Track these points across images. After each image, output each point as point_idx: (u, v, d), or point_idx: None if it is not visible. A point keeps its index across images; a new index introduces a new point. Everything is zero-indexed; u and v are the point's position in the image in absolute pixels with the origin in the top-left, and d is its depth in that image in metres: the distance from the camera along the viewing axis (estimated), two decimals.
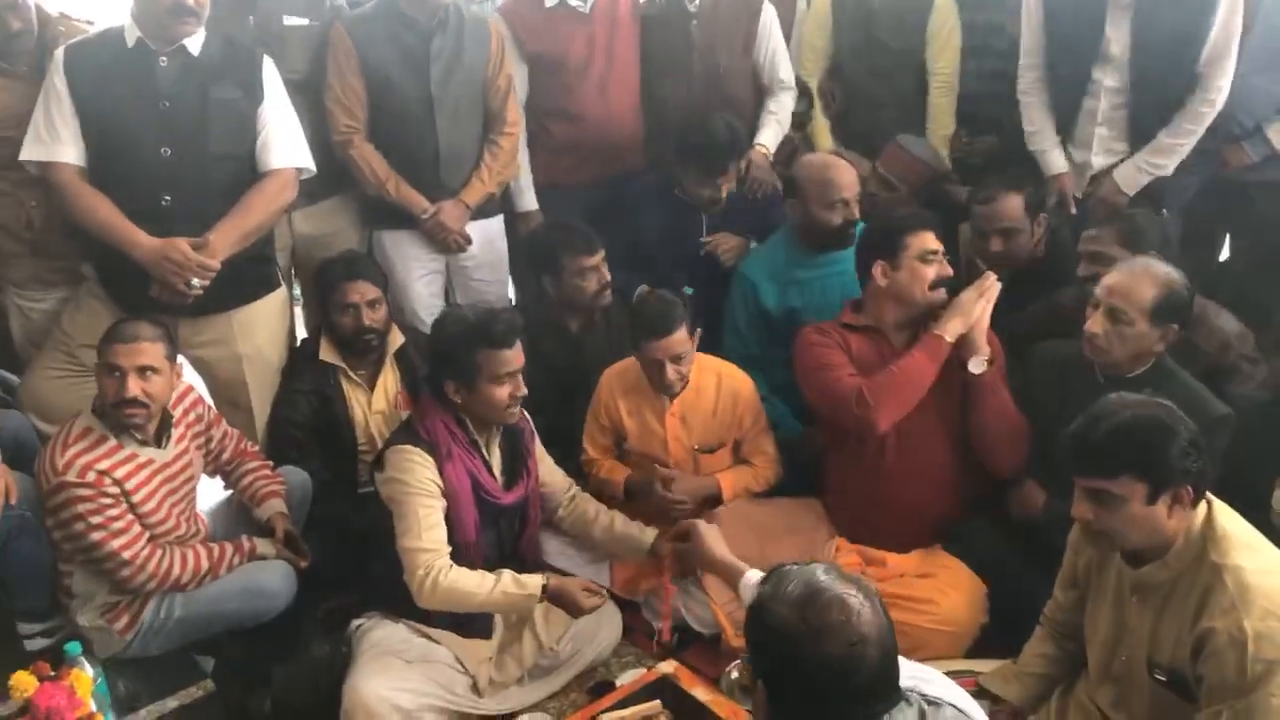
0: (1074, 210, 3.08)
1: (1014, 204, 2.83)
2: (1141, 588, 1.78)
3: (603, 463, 2.80)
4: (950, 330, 2.43)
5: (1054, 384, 2.42)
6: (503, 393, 2.29)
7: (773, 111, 3.30)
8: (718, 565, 2.22)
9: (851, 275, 2.64)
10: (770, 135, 3.28)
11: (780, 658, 1.32)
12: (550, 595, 2.25)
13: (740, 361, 2.87)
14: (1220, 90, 2.87)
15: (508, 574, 2.25)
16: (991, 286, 2.47)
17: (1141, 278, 2.23)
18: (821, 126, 3.47)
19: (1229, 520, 1.73)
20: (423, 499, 2.24)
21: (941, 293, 2.48)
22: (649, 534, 2.57)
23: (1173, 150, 2.96)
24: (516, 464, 2.47)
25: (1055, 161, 3.09)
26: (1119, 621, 1.84)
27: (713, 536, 2.27)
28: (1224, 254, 3.48)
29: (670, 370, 2.58)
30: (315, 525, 2.68)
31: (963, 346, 2.45)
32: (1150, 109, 2.96)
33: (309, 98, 2.82)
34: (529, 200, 3.26)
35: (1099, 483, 1.70)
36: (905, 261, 2.46)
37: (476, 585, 2.22)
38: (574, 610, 2.27)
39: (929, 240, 2.47)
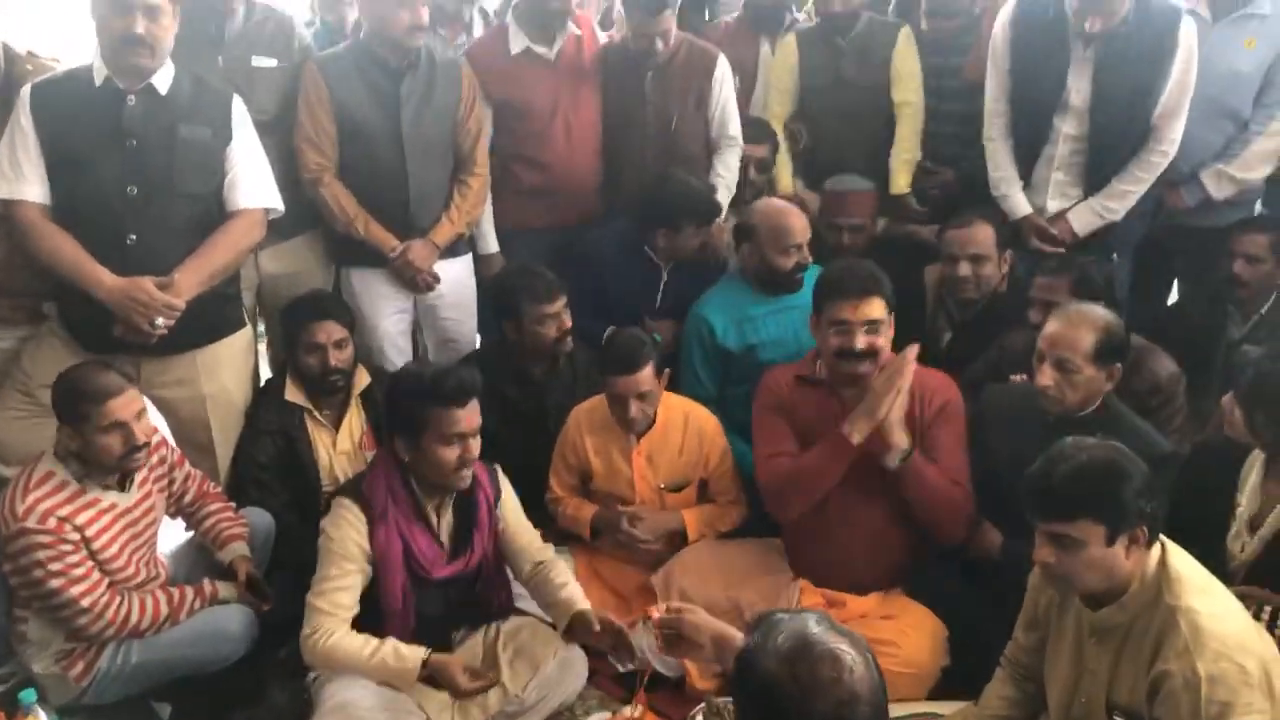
0: (1039, 249, 3.16)
1: (986, 232, 2.98)
2: (1100, 630, 1.82)
3: (569, 501, 2.81)
4: (857, 430, 2.36)
5: (1006, 425, 2.48)
6: (450, 454, 2.22)
7: (721, 175, 3.33)
8: (714, 642, 2.13)
9: (806, 309, 2.69)
10: (720, 199, 3.29)
11: (767, 713, 1.27)
12: (430, 670, 2.19)
13: (700, 401, 2.91)
14: (1173, 142, 3.00)
15: (390, 644, 2.20)
16: (905, 373, 2.36)
17: (1079, 325, 2.32)
18: (783, 166, 3.54)
19: (1182, 562, 1.78)
20: (338, 559, 2.22)
21: (862, 368, 2.43)
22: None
23: (1125, 196, 3.08)
24: (466, 533, 2.39)
25: (1020, 204, 3.18)
26: (1078, 663, 1.88)
27: (699, 618, 2.24)
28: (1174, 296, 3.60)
29: (634, 407, 2.60)
30: (278, 567, 2.66)
31: (876, 440, 2.39)
32: (1106, 156, 3.07)
33: (277, 138, 2.82)
34: (490, 243, 3.28)
35: (1058, 526, 1.75)
36: (821, 325, 2.47)
37: (357, 651, 2.18)
38: (453, 692, 2.20)
39: (843, 310, 2.40)
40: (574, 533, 2.80)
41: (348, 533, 2.24)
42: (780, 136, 3.51)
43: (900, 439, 2.39)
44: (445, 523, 2.38)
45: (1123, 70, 2.96)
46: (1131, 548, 1.73)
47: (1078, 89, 3.02)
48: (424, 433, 2.22)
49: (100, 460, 2.21)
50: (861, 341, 2.39)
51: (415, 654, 2.20)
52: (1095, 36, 2.93)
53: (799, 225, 2.95)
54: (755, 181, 3.48)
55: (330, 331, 2.76)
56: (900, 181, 3.43)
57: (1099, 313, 2.36)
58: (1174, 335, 3.20)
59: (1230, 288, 3.11)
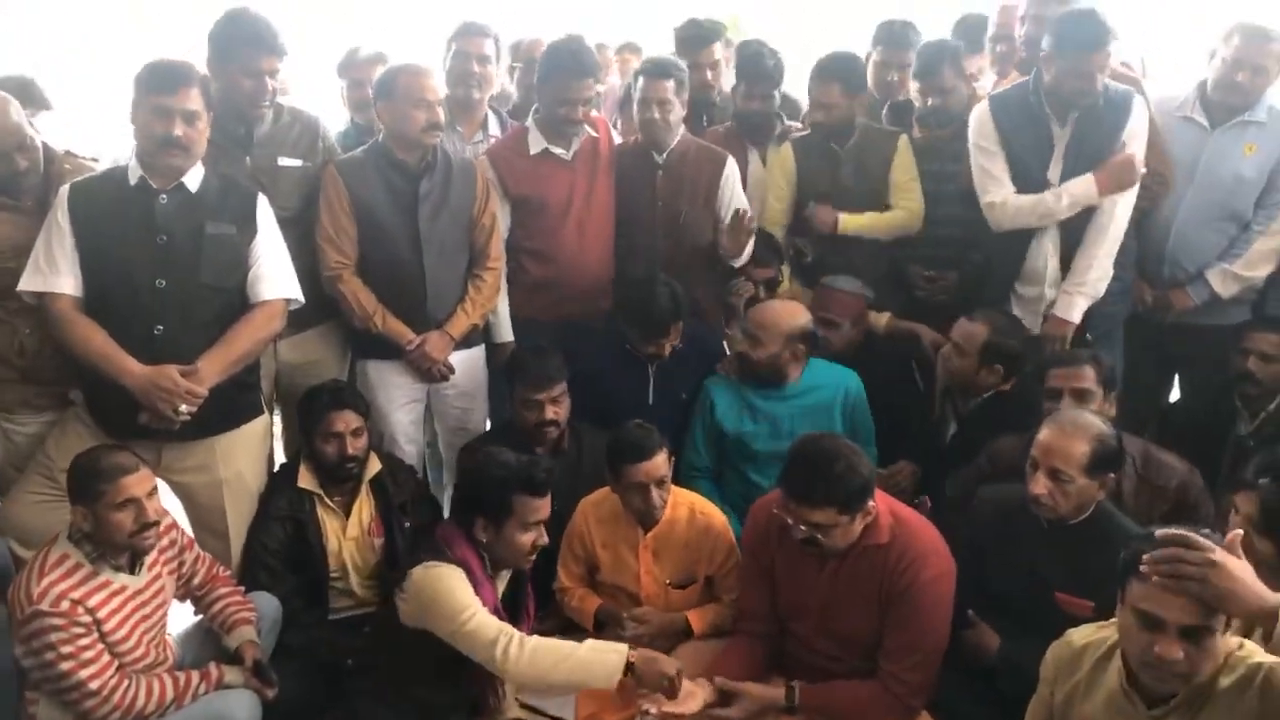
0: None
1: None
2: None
3: (575, 591, 2.83)
4: None
5: (997, 529, 2.49)
6: (527, 539, 2.37)
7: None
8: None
9: (809, 409, 2.73)
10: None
11: None
12: (639, 658, 2.26)
13: (693, 473, 3.03)
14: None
15: (589, 641, 2.31)
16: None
17: (1073, 435, 2.34)
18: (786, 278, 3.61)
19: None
20: (465, 587, 2.29)
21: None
22: None
23: (1088, 269, 3.15)
24: (518, 607, 2.53)
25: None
26: None
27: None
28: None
29: (655, 494, 2.63)
30: (285, 652, 2.69)
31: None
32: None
33: (299, 232, 2.94)
34: (506, 332, 3.35)
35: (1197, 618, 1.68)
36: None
37: (558, 645, 2.27)
38: (655, 682, 2.25)
39: (789, 507, 2.35)
40: (579, 623, 2.81)
41: (456, 577, 2.30)
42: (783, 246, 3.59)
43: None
44: (502, 594, 2.50)
45: (1087, 149, 3.10)
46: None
47: (1055, 171, 3.15)
48: (508, 518, 2.35)
49: (112, 538, 2.28)
50: (800, 533, 2.36)
51: (615, 646, 2.28)
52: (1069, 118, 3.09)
53: (755, 316, 3.09)
54: (761, 299, 3.52)
55: (348, 421, 2.83)
56: (853, 222, 3.42)
57: (1093, 422, 2.39)
58: (1179, 432, 3.24)
59: (1241, 384, 3.12)
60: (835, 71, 3.42)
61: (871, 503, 2.36)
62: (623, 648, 2.27)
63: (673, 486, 2.77)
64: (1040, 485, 2.34)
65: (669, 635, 2.69)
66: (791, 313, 3.10)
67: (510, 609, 2.50)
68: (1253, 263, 3.28)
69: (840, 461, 2.29)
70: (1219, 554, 1.64)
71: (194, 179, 2.63)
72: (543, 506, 2.36)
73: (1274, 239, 3.25)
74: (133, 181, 2.60)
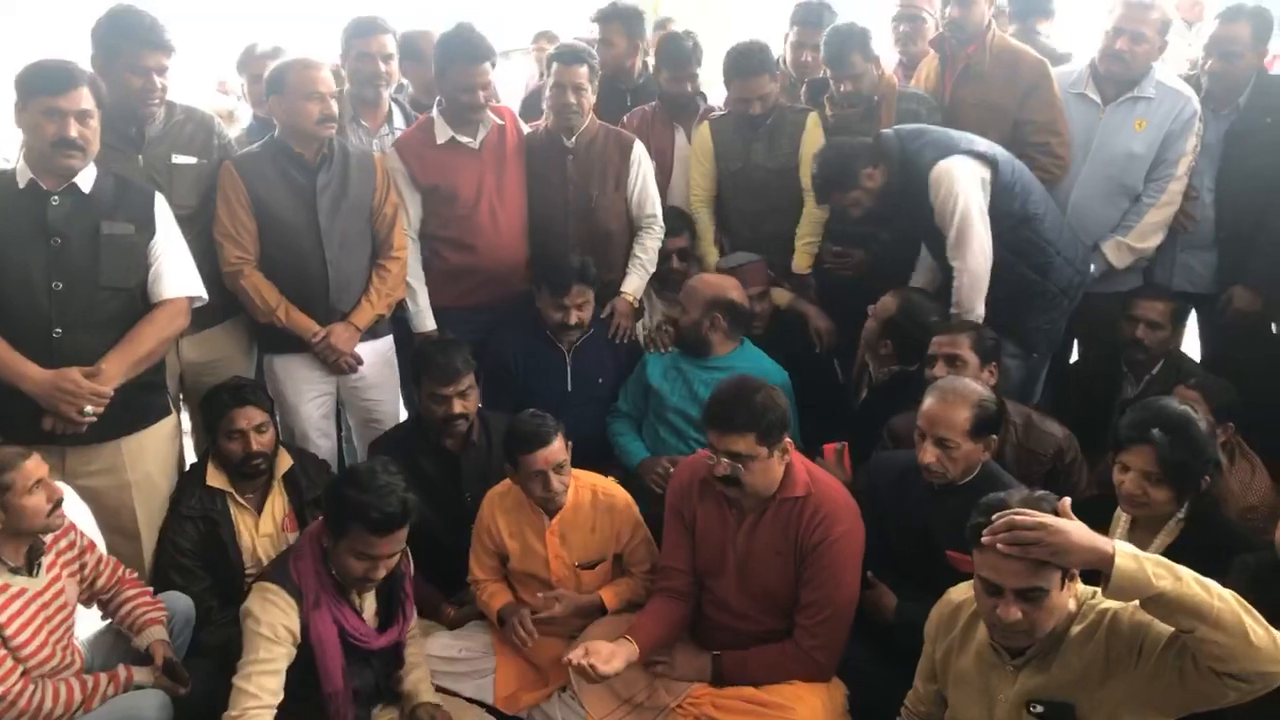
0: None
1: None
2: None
3: (486, 586, 2.84)
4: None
5: (893, 493, 2.57)
6: (358, 567, 2.34)
7: (638, 256, 3.48)
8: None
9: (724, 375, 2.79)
10: (635, 282, 3.46)
11: None
12: None
13: (616, 413, 3.22)
14: (967, 269, 3.06)
15: None
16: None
17: (954, 404, 2.43)
18: (708, 247, 3.68)
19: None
20: (266, 643, 2.28)
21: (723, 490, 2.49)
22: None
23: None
24: (393, 606, 2.50)
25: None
26: (987, 694, 1.94)
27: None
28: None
29: (554, 480, 2.66)
30: (199, 651, 2.69)
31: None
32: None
33: (197, 229, 2.92)
34: (427, 321, 3.36)
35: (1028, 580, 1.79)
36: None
37: None
38: None
39: (711, 437, 2.45)
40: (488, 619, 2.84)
41: (276, 617, 2.29)
42: (704, 220, 3.68)
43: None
44: (368, 601, 2.46)
45: (912, 231, 3.25)
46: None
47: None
48: (343, 539, 2.32)
49: (31, 524, 2.27)
50: (721, 468, 2.43)
51: None
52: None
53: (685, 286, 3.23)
54: (678, 269, 3.61)
55: (251, 417, 2.82)
56: (800, 262, 3.57)
57: (972, 388, 2.48)
58: (1074, 394, 3.36)
59: (1129, 349, 3.24)
60: (760, 64, 3.48)
61: (788, 441, 2.45)
62: None
63: (575, 470, 2.81)
64: (929, 454, 2.43)
65: (584, 614, 2.73)
66: (716, 284, 3.23)
67: (384, 614, 2.49)
68: (1144, 234, 3.39)
69: (760, 393, 2.43)
70: (1047, 518, 1.73)
71: (86, 179, 2.59)
72: (379, 544, 2.29)
73: (1163, 211, 3.36)
74: (21, 185, 2.55)
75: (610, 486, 2.87)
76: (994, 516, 1.77)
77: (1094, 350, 3.54)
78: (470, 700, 2.66)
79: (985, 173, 3.05)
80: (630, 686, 2.57)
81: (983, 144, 3.11)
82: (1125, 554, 1.67)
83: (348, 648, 2.37)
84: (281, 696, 2.29)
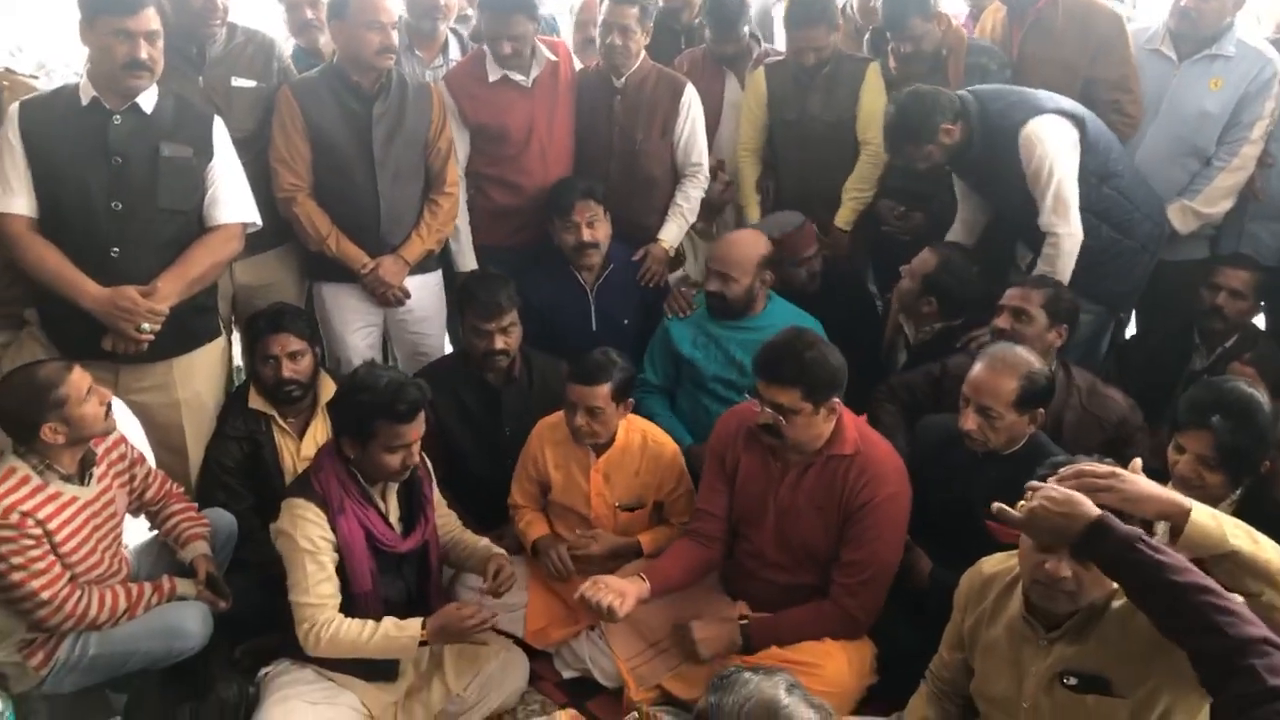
0: None
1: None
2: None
3: (525, 513, 2.90)
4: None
5: (938, 457, 2.54)
6: (394, 460, 2.37)
7: (679, 204, 3.43)
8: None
9: (759, 344, 2.75)
10: (673, 231, 3.41)
11: None
12: (432, 632, 2.33)
13: (645, 388, 3.11)
14: (1066, 235, 2.93)
15: (389, 620, 2.34)
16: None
17: (1001, 373, 2.38)
18: (751, 201, 3.62)
19: None
20: (310, 555, 2.32)
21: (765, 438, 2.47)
22: (490, 547, 2.69)
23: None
24: (414, 511, 2.55)
25: None
26: (1017, 666, 1.92)
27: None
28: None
29: (582, 418, 2.68)
30: (239, 567, 2.76)
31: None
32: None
33: (254, 154, 2.94)
34: (469, 260, 3.37)
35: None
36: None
37: (358, 634, 2.31)
38: (459, 635, 2.36)
39: (759, 388, 2.42)
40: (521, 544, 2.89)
41: (311, 530, 2.34)
42: (748, 170, 3.62)
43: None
44: (392, 506, 2.52)
45: (989, 193, 3.11)
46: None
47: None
48: (372, 440, 2.35)
49: (89, 430, 2.33)
50: (764, 416, 2.42)
51: (413, 622, 2.35)
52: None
53: (719, 254, 3.13)
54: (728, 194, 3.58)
55: (285, 343, 2.85)
56: (844, 215, 3.50)
57: (1023, 359, 2.42)
58: (1136, 366, 3.27)
59: (1206, 319, 3.14)
60: (819, 14, 3.38)
61: (837, 400, 2.42)
62: (416, 630, 2.33)
63: (631, 415, 2.82)
64: (970, 421, 2.40)
65: (620, 556, 2.76)
66: (754, 241, 3.14)
67: (407, 519, 2.54)
68: (1212, 199, 3.28)
69: (814, 350, 2.39)
70: (1120, 470, 1.70)
71: (148, 100, 2.61)
72: (407, 432, 2.34)
73: (1234, 175, 3.24)
74: (85, 102, 2.57)
75: (660, 435, 2.88)
76: (1063, 470, 1.73)
77: (1158, 320, 3.44)
78: (500, 632, 2.70)
79: (1075, 133, 2.94)
80: (657, 631, 2.60)
81: (1067, 103, 3.00)
82: (1202, 509, 1.65)
83: (377, 554, 2.42)
84: (339, 597, 2.36)
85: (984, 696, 2.02)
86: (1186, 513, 1.63)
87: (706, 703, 1.35)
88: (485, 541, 2.73)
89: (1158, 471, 2.36)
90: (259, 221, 2.83)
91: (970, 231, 3.29)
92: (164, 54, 2.62)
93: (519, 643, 2.71)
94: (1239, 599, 1.53)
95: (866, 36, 3.67)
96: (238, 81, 2.96)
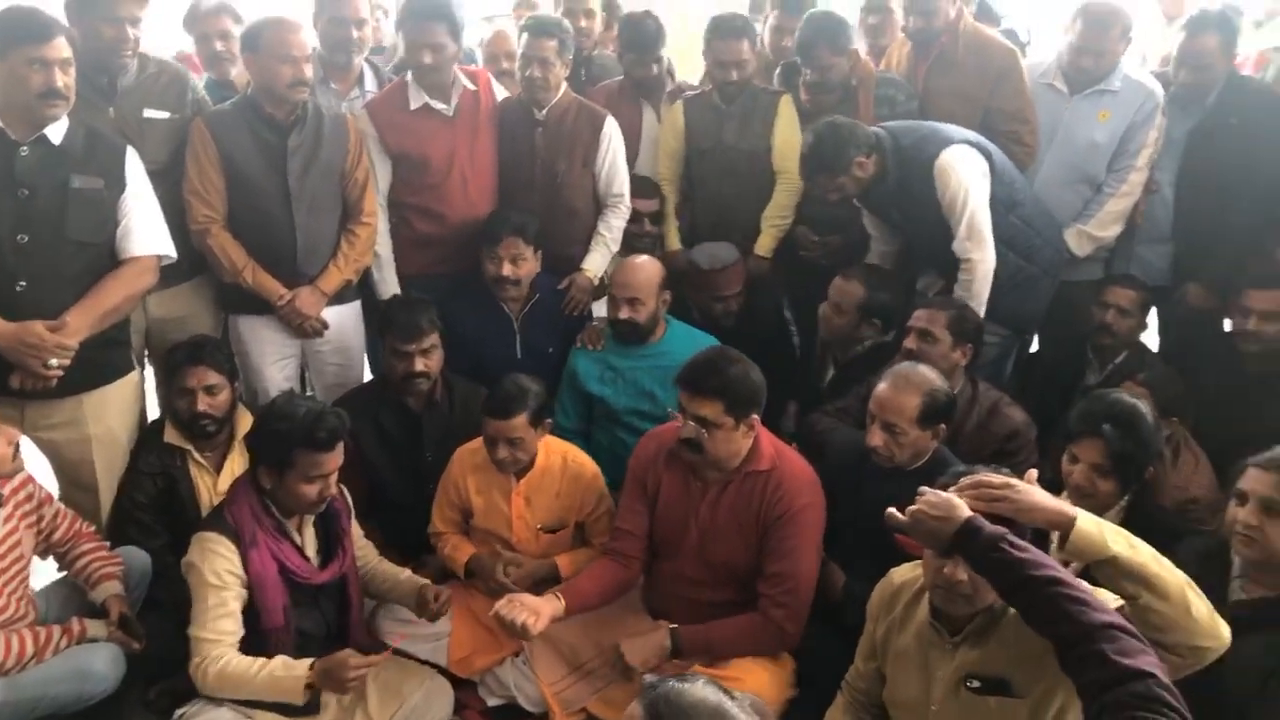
0: None
1: (855, 289, 3.19)
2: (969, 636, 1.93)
3: (449, 538, 2.90)
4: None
5: (848, 472, 2.62)
6: (311, 491, 2.36)
7: (603, 234, 3.46)
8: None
9: (664, 371, 2.82)
10: (597, 260, 3.44)
11: None
12: (319, 674, 2.26)
13: (561, 435, 3.08)
14: (979, 260, 3.06)
15: (279, 659, 2.30)
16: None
17: (905, 390, 2.49)
18: (671, 228, 3.70)
19: None
20: (214, 589, 2.30)
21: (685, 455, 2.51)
22: (412, 578, 2.69)
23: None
24: (332, 543, 2.53)
25: None
26: (925, 671, 1.99)
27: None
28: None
29: (503, 450, 2.70)
30: (155, 607, 2.70)
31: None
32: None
33: (168, 186, 2.90)
34: (392, 287, 3.36)
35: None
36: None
37: (246, 670, 2.27)
38: (340, 686, 2.26)
39: (682, 399, 2.48)
40: (450, 570, 2.88)
41: (218, 563, 2.31)
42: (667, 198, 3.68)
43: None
44: (309, 538, 2.50)
45: (903, 224, 3.25)
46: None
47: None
48: (290, 469, 2.34)
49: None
50: (686, 430, 2.47)
51: (302, 662, 2.29)
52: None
53: (620, 280, 3.18)
54: (650, 232, 3.63)
55: (202, 377, 2.82)
56: (764, 243, 3.59)
57: (926, 377, 2.52)
58: (1036, 381, 3.42)
59: (1097, 335, 3.31)
60: (740, 29, 3.51)
61: (756, 417, 2.48)
62: (303, 671, 2.26)
63: (549, 437, 2.85)
64: (876, 437, 2.50)
65: (540, 581, 2.77)
66: (651, 265, 3.22)
67: (324, 551, 2.52)
68: (1104, 223, 3.46)
69: (737, 366, 2.47)
70: (1014, 480, 1.81)
71: (57, 131, 2.57)
72: (327, 460, 2.34)
73: (1123, 201, 3.44)
74: None
75: (580, 456, 2.91)
76: (962, 480, 1.83)
77: (1056, 338, 3.60)
78: (424, 662, 2.69)
79: (984, 163, 3.09)
80: (581, 654, 2.62)
81: (974, 135, 3.15)
82: (1086, 517, 1.74)
83: (292, 587, 2.40)
84: (241, 633, 2.33)
85: (895, 702, 2.09)
86: (1072, 521, 1.73)
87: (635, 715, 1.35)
88: (406, 573, 2.72)
89: (1053, 482, 2.50)
90: (173, 254, 2.80)
91: (883, 263, 3.42)
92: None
93: (443, 672, 2.70)
94: (1088, 587, 1.62)
95: (778, 70, 3.78)
96: (150, 113, 2.93)
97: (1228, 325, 3.26)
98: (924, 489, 1.80)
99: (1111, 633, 1.50)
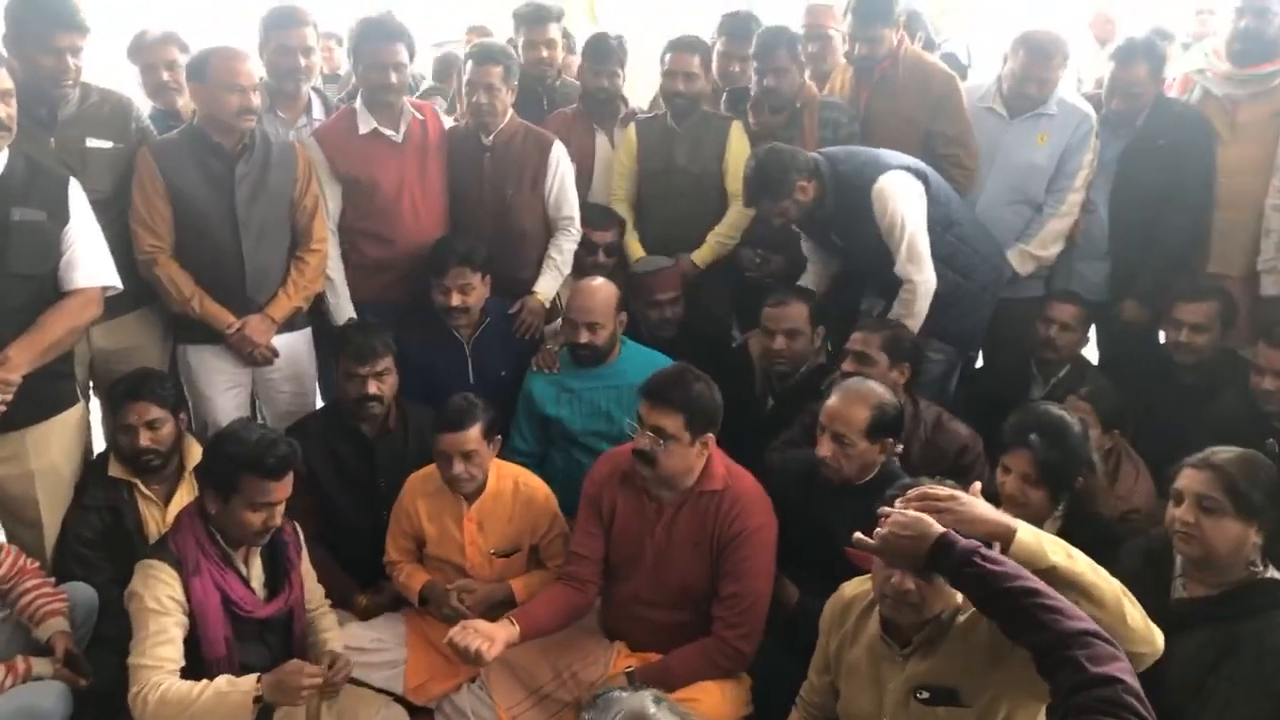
0: None
1: (799, 309, 3.21)
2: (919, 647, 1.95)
3: (403, 566, 2.89)
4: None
5: (797, 491, 2.66)
6: (256, 519, 2.33)
7: (553, 257, 3.48)
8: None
9: (620, 391, 2.84)
10: (547, 283, 3.45)
11: None
12: (267, 686, 2.21)
13: (516, 457, 3.09)
14: (920, 281, 3.14)
15: (222, 678, 2.25)
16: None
17: (854, 402, 2.54)
18: (633, 241, 3.72)
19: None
20: (154, 616, 2.27)
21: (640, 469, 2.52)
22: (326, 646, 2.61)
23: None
24: (279, 576, 2.50)
25: None
26: (877, 684, 2.02)
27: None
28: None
29: (458, 465, 2.70)
30: (102, 642, 2.64)
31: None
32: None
33: (112, 215, 2.88)
34: (347, 311, 3.35)
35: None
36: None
37: (187, 693, 2.20)
38: (292, 696, 2.22)
39: (642, 407, 2.51)
40: (406, 598, 2.87)
41: (159, 590, 2.28)
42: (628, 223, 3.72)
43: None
44: (255, 570, 2.47)
45: (842, 247, 3.32)
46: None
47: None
48: (235, 495, 2.31)
49: None
50: (643, 442, 2.49)
51: (248, 677, 2.24)
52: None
53: (576, 304, 3.21)
54: (604, 264, 3.64)
55: (143, 412, 2.76)
56: (703, 254, 3.61)
57: (874, 390, 2.58)
58: (981, 396, 3.49)
59: (1040, 350, 3.40)
60: (693, 44, 3.59)
61: (711, 437, 2.52)
62: (250, 685, 2.22)
63: (498, 460, 2.85)
64: (826, 448, 2.54)
65: (494, 605, 2.76)
66: (607, 288, 3.25)
67: (271, 583, 2.50)
68: (1045, 242, 3.55)
69: (701, 383, 2.53)
70: (958, 492, 1.86)
71: None
72: (274, 489, 2.31)
73: (1063, 221, 3.53)
74: None
75: (532, 479, 2.91)
76: (909, 493, 1.87)
77: (1000, 354, 3.68)
78: (380, 690, 2.67)
79: (920, 186, 3.16)
80: (538, 678, 2.62)
81: (910, 159, 3.23)
82: (1026, 529, 1.79)
83: (237, 619, 2.37)
84: (182, 662, 2.28)
85: (848, 715, 2.12)
86: (1013, 532, 1.78)
87: None
88: (333, 634, 2.65)
89: (997, 495, 2.56)
90: (118, 284, 2.76)
91: (819, 286, 3.49)
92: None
93: (400, 700, 2.68)
94: (1063, 600, 1.65)
95: (724, 97, 3.84)
96: (93, 142, 2.90)
97: (1163, 338, 3.37)
98: (886, 509, 1.83)
99: (1085, 639, 1.54)
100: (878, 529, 1.81)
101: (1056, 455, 2.41)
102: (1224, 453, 2.18)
